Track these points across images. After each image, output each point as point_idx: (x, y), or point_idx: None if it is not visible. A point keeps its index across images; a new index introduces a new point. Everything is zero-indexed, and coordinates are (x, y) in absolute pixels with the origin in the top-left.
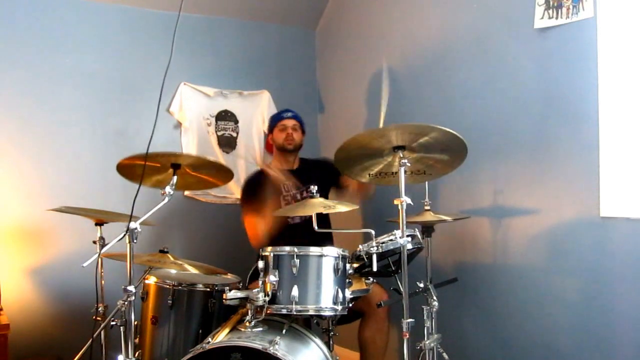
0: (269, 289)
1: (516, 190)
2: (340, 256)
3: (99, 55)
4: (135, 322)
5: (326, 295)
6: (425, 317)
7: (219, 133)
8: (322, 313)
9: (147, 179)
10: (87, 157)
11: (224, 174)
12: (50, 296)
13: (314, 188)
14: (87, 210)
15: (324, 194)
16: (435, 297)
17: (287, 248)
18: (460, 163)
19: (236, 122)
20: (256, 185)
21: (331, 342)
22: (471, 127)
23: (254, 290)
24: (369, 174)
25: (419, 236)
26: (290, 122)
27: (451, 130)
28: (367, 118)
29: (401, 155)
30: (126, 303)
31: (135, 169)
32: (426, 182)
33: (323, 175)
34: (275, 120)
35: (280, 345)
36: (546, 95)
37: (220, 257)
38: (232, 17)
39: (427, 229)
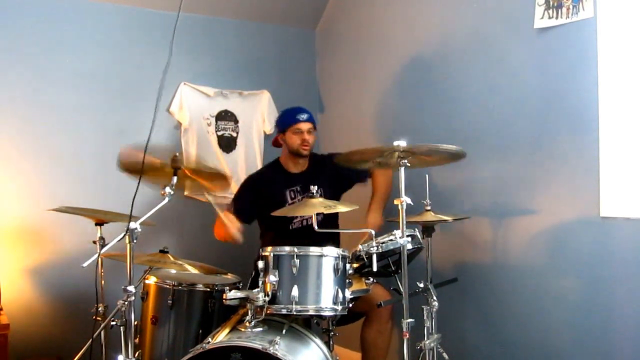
0: (269, 289)
1: (516, 190)
2: (340, 256)
3: (98, 55)
4: (135, 322)
5: (326, 295)
6: (425, 317)
7: (219, 133)
8: (322, 313)
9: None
10: (87, 157)
11: (222, 180)
12: (50, 296)
13: (313, 188)
14: (87, 210)
15: (336, 194)
16: (435, 297)
17: (287, 248)
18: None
19: (236, 122)
20: (258, 188)
21: (331, 342)
22: (471, 127)
23: (254, 290)
24: (369, 164)
25: (419, 236)
26: (305, 126)
27: (451, 148)
28: (367, 118)
29: (401, 156)
30: (126, 303)
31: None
32: (426, 182)
33: (331, 175)
34: (289, 122)
35: (280, 345)
36: (546, 95)
37: (220, 257)
38: (232, 17)
39: (427, 229)
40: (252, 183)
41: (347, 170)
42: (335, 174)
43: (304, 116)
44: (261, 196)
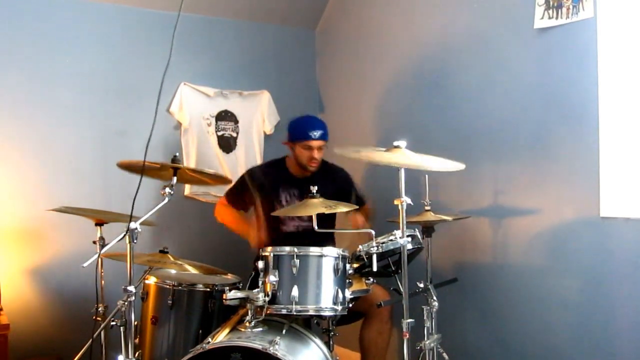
0: (269, 289)
1: (516, 190)
2: (340, 256)
3: (98, 55)
4: (135, 322)
5: (326, 296)
6: (425, 317)
7: (219, 133)
8: (322, 313)
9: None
10: (87, 157)
11: (222, 180)
12: (50, 296)
13: (313, 188)
14: (87, 210)
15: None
16: (435, 297)
17: (287, 248)
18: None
19: (236, 122)
20: (258, 183)
21: (331, 342)
22: (471, 127)
23: (254, 291)
24: None
25: (419, 236)
26: (317, 144)
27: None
28: (367, 118)
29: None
30: (126, 303)
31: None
32: (426, 182)
33: (336, 189)
34: (300, 136)
35: (280, 345)
36: (546, 95)
37: (220, 257)
38: (232, 17)
39: (427, 229)
40: (251, 178)
41: (351, 189)
42: (340, 189)
43: (317, 134)
44: (257, 191)
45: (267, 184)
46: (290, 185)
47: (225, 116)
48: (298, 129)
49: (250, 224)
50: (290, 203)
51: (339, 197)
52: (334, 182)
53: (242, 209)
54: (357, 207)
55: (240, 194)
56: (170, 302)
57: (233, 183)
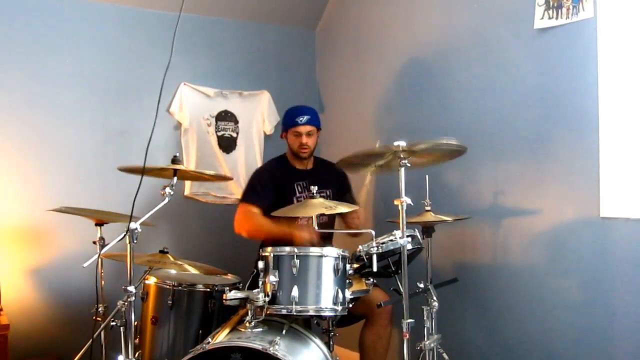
0: (269, 289)
1: (516, 190)
2: (340, 256)
3: (98, 55)
4: (135, 323)
5: (326, 296)
6: (425, 318)
7: (219, 133)
8: (322, 313)
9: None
10: (87, 157)
11: (222, 177)
12: (50, 296)
13: (314, 188)
14: (87, 210)
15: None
16: (435, 298)
17: (287, 248)
18: (462, 154)
19: (236, 122)
20: (271, 175)
21: (331, 343)
22: (471, 127)
23: (254, 291)
24: (371, 168)
25: (419, 236)
26: (304, 129)
27: (447, 142)
28: (367, 118)
29: (401, 157)
30: (126, 303)
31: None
32: (426, 183)
33: (337, 183)
34: (288, 123)
35: (280, 346)
36: (546, 95)
37: (220, 257)
38: (232, 17)
39: (427, 229)
40: (265, 172)
41: (347, 186)
42: (339, 184)
43: (303, 119)
44: (274, 185)
45: (280, 177)
46: (298, 177)
47: (225, 116)
48: (287, 117)
49: (287, 222)
50: (303, 194)
51: (341, 191)
52: (335, 176)
53: (269, 203)
54: (357, 207)
55: (261, 186)
56: (170, 302)
57: (246, 185)
